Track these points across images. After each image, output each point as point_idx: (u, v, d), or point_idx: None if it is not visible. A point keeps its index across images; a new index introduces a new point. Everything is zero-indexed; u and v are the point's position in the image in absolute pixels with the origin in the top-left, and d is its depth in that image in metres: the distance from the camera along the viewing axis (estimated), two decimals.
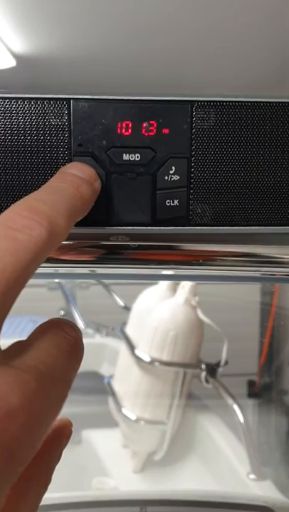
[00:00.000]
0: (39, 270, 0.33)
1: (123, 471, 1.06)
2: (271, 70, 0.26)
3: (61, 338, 0.18)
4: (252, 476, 0.90)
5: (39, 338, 0.18)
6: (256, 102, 0.26)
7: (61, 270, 0.32)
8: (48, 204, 0.19)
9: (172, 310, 1.21)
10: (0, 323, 0.17)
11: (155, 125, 0.26)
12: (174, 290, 1.33)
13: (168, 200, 0.27)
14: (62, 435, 0.21)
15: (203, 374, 1.09)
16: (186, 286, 1.30)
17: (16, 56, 0.28)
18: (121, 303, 1.42)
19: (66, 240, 0.30)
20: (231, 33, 0.27)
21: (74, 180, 0.22)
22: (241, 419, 0.94)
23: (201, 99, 0.26)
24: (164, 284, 1.35)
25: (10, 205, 0.27)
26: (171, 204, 0.27)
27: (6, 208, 0.27)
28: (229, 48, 0.26)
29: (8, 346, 0.18)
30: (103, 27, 0.27)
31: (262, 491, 0.81)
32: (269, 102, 0.26)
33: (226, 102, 0.26)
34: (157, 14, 0.27)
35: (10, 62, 0.28)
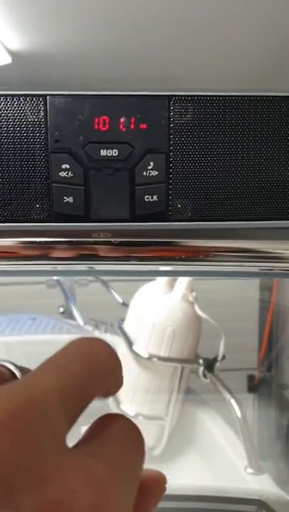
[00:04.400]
0: (37, 267, 0.33)
1: None
2: (250, 64, 0.26)
3: (127, 431, 0.17)
4: (249, 470, 0.90)
5: (105, 429, 0.17)
6: (234, 96, 0.26)
7: (58, 267, 0.32)
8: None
9: (170, 306, 1.21)
10: (76, 417, 0.16)
11: (132, 120, 0.26)
12: (171, 286, 1.33)
13: (147, 196, 0.27)
14: (156, 490, 0.19)
15: (201, 369, 1.10)
16: (183, 282, 1.30)
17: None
18: (119, 299, 1.42)
19: (48, 236, 0.29)
20: (211, 27, 0.27)
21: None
22: (238, 413, 0.94)
23: (178, 93, 0.26)
24: (161, 281, 1.34)
25: None
26: (150, 200, 0.27)
27: None
28: (208, 42, 0.26)
29: (78, 440, 0.17)
30: (81, 23, 0.27)
31: (259, 485, 0.81)
32: (247, 96, 0.26)
33: (203, 96, 0.26)
34: (137, 6, 0.26)
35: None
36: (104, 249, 0.30)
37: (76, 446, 0.16)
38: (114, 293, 1.42)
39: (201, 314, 1.21)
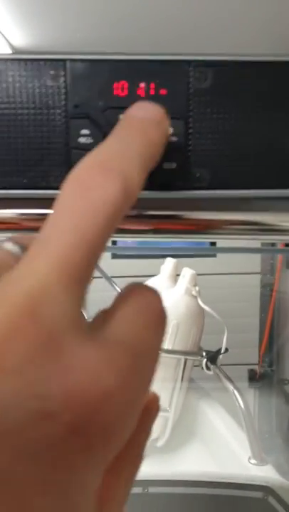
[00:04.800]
0: None
1: None
2: (270, 29, 0.26)
3: (145, 308, 0.17)
4: (253, 461, 0.90)
5: (123, 307, 0.17)
6: (255, 60, 0.26)
7: None
8: (119, 157, 0.18)
9: (173, 300, 1.22)
10: (83, 294, 0.15)
11: (152, 86, 0.26)
12: (174, 280, 1.33)
13: (166, 163, 0.26)
14: (151, 409, 0.20)
15: (204, 361, 1.10)
16: (186, 276, 1.30)
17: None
18: None
19: None
20: None
21: (140, 127, 0.20)
22: (242, 404, 0.95)
23: (199, 58, 0.26)
24: (164, 275, 1.35)
25: (5, 169, 0.27)
26: (169, 167, 0.27)
27: (4, 173, 0.27)
28: (228, 5, 0.26)
29: (93, 318, 0.17)
30: None
31: (262, 474, 0.81)
32: (268, 61, 0.26)
33: (223, 61, 0.26)
34: None
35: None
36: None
37: (95, 325, 0.16)
38: (117, 288, 1.42)
39: (205, 308, 1.21)
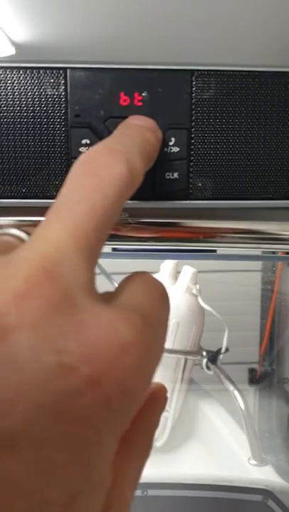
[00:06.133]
0: None
1: None
2: (274, 39, 0.26)
3: (150, 284, 0.18)
4: (253, 462, 0.90)
5: (129, 284, 0.18)
6: (258, 71, 0.25)
7: None
8: (122, 145, 0.19)
9: (173, 298, 1.21)
10: (94, 265, 0.16)
11: (154, 95, 0.25)
12: (175, 278, 1.33)
13: (167, 173, 0.26)
14: (159, 398, 0.20)
15: (204, 361, 1.10)
16: (187, 274, 1.30)
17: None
18: None
19: None
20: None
21: (138, 129, 0.22)
22: (242, 405, 0.95)
23: (201, 68, 0.25)
24: (165, 273, 1.34)
25: (4, 178, 0.26)
26: (171, 177, 0.26)
27: (3, 182, 0.27)
28: (232, 15, 0.25)
29: (101, 293, 0.17)
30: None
31: (262, 476, 0.81)
32: (271, 72, 0.25)
33: (226, 71, 0.25)
34: None
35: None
36: (122, 229, 0.29)
37: (105, 297, 0.17)
38: (117, 285, 1.42)
39: (205, 306, 1.21)
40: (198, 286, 1.28)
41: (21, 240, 0.19)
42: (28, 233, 0.19)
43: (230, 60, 0.25)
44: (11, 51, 0.28)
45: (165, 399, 0.21)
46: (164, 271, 1.33)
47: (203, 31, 0.25)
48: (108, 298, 0.17)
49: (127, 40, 0.25)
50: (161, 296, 0.18)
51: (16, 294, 0.14)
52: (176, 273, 1.35)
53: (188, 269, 1.30)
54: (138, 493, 0.57)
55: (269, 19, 0.26)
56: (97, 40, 0.26)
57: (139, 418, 0.17)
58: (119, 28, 0.25)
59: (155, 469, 0.94)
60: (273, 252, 0.34)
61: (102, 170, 0.17)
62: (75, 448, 0.13)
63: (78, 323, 0.14)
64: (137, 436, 0.18)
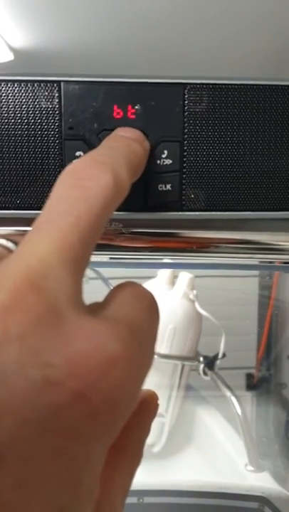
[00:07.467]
0: None
1: None
2: (267, 53, 0.26)
3: (139, 295, 0.18)
4: (250, 468, 0.90)
5: (118, 295, 0.17)
6: (250, 84, 0.26)
7: None
8: (108, 157, 0.20)
9: (171, 304, 1.21)
10: (81, 276, 0.16)
11: (147, 108, 0.26)
12: (172, 284, 1.33)
13: (160, 185, 0.26)
14: (150, 406, 0.20)
15: (201, 367, 1.10)
16: (184, 279, 1.30)
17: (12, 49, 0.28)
18: None
19: None
20: (226, 14, 0.26)
21: (124, 140, 0.23)
22: (239, 411, 0.94)
23: (193, 81, 0.26)
24: (162, 278, 1.34)
25: (0, 189, 0.27)
26: (164, 189, 0.27)
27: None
28: (224, 29, 0.26)
29: (89, 305, 0.17)
30: (95, 12, 0.27)
31: (259, 482, 0.81)
32: (263, 85, 0.26)
33: (218, 84, 0.26)
34: None
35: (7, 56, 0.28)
36: (115, 239, 0.30)
37: (93, 308, 0.17)
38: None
39: (202, 312, 1.21)
40: (195, 292, 1.28)
41: (8, 250, 0.19)
42: (16, 242, 0.19)
43: (222, 73, 0.26)
44: (9, 57, 0.28)
45: (156, 406, 0.20)
46: (161, 276, 1.33)
47: (196, 45, 0.25)
48: (96, 309, 0.17)
49: (120, 54, 0.26)
50: (150, 308, 0.17)
51: (1, 307, 0.14)
52: (174, 278, 1.35)
53: (185, 275, 1.30)
54: (134, 500, 0.57)
55: (261, 33, 0.26)
56: (91, 53, 0.26)
57: (129, 426, 0.17)
58: (113, 41, 0.26)
59: (151, 476, 0.94)
60: (270, 262, 0.34)
61: (87, 181, 0.18)
62: (63, 462, 0.13)
63: (64, 336, 0.14)
64: (127, 444, 0.18)
